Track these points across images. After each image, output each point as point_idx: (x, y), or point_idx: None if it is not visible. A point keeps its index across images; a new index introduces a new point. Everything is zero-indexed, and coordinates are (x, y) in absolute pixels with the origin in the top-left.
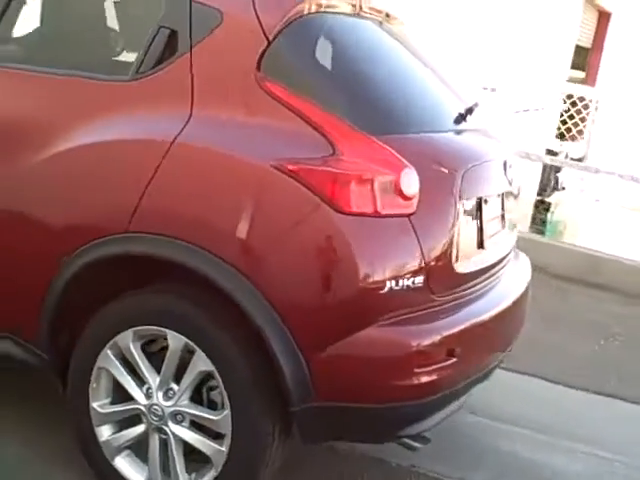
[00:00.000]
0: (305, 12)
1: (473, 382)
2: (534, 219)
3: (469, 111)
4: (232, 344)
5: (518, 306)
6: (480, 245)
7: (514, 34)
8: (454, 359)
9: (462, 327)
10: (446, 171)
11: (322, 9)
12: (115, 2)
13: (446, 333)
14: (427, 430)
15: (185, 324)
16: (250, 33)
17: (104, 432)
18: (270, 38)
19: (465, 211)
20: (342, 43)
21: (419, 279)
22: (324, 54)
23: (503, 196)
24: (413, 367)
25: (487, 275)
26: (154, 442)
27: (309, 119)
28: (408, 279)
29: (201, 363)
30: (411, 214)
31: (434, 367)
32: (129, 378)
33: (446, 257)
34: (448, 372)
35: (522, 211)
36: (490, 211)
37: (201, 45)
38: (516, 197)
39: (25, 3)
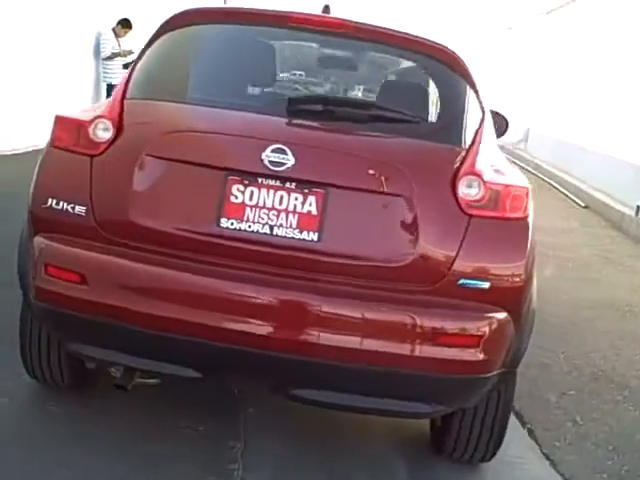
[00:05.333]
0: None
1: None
2: None
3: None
4: None
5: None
6: (217, 222)
7: None
8: (82, 286)
9: (111, 267)
10: (143, 132)
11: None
12: None
13: (82, 262)
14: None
15: None
16: None
17: None
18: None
19: (166, 174)
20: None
21: (81, 209)
22: (158, 58)
23: (302, 190)
24: (40, 274)
25: (233, 252)
26: None
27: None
28: (68, 205)
29: None
30: (93, 155)
31: (58, 282)
32: None
33: (118, 204)
34: (75, 295)
35: None
36: (254, 195)
37: None
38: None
39: None
